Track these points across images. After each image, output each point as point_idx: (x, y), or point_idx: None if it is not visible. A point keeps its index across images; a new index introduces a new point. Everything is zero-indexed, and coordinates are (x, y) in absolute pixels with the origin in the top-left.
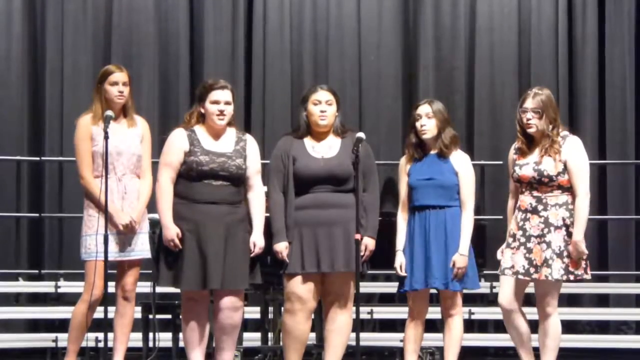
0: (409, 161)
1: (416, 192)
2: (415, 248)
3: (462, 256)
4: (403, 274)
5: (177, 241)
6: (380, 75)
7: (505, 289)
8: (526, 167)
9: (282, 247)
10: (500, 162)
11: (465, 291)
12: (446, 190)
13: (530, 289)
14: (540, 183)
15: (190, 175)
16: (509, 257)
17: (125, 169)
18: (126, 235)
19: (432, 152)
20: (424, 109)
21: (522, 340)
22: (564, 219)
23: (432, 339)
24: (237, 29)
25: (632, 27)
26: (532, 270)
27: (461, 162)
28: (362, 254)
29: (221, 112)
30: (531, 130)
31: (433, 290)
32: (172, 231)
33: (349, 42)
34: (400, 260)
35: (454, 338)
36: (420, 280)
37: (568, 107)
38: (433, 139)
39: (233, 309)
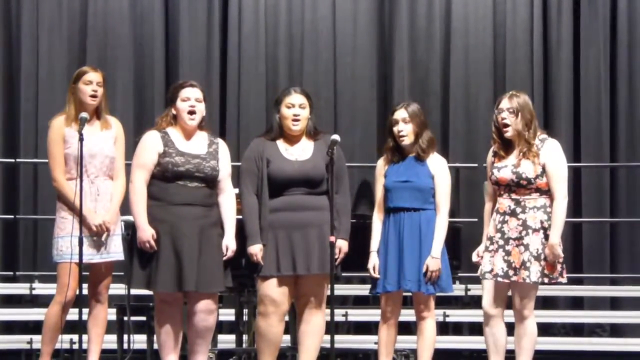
0: (387, 163)
1: (392, 194)
2: (389, 250)
3: (434, 259)
4: (376, 275)
5: (152, 242)
6: (355, 77)
7: (488, 294)
8: (504, 169)
9: (256, 250)
10: (475, 165)
11: (438, 294)
12: (421, 193)
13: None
14: (519, 186)
15: (165, 176)
16: (488, 261)
17: (98, 171)
18: (99, 237)
19: (410, 155)
20: (400, 114)
21: (496, 351)
22: (542, 222)
23: (407, 342)
24: (212, 32)
25: (607, 30)
26: (510, 272)
27: (438, 166)
28: (336, 256)
29: (192, 108)
30: (507, 134)
31: (407, 293)
32: (147, 233)
33: (324, 45)
34: (373, 261)
35: (427, 341)
36: (393, 283)
37: (543, 110)
38: (411, 143)
39: (207, 312)
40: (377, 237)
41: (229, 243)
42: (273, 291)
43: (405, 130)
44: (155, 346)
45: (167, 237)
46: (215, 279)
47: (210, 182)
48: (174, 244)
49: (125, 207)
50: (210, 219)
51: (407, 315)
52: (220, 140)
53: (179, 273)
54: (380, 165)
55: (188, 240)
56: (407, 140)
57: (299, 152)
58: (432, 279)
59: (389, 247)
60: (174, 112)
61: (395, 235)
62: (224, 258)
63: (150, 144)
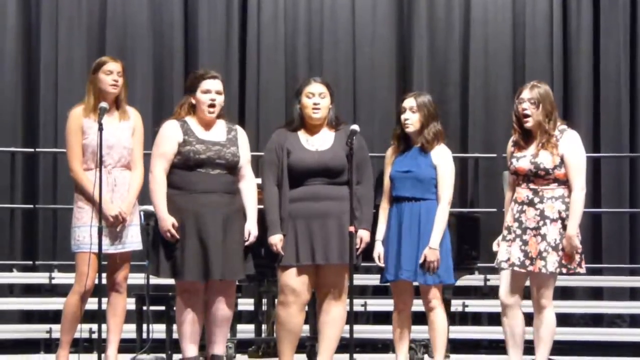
0: (394, 153)
1: (394, 183)
2: (389, 239)
3: (432, 250)
4: (381, 264)
5: (173, 231)
6: (375, 67)
7: (505, 284)
8: (523, 159)
9: (276, 240)
10: (494, 155)
11: (458, 284)
12: (422, 183)
13: (526, 281)
14: (537, 176)
15: (186, 165)
16: (505, 250)
17: (115, 162)
18: (117, 227)
19: (416, 145)
20: (408, 103)
21: (514, 341)
22: (559, 212)
23: (426, 332)
24: (232, 21)
25: (626, 19)
26: (527, 262)
27: (440, 156)
28: (357, 246)
29: (213, 102)
30: (528, 124)
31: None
32: (167, 222)
33: (343, 34)
34: (378, 250)
35: (437, 331)
36: (392, 272)
37: (562, 100)
38: (416, 132)
39: (226, 301)
40: (382, 226)
41: (251, 228)
42: (293, 281)
43: (411, 118)
44: (175, 335)
45: (192, 226)
46: (238, 266)
47: (232, 168)
48: (199, 232)
49: (145, 197)
50: (234, 206)
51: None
52: (238, 127)
53: (205, 262)
54: (389, 154)
55: (213, 229)
56: (411, 128)
57: (320, 142)
58: (430, 270)
59: (390, 237)
60: (192, 101)
61: (396, 225)
62: (246, 243)
63: (170, 134)
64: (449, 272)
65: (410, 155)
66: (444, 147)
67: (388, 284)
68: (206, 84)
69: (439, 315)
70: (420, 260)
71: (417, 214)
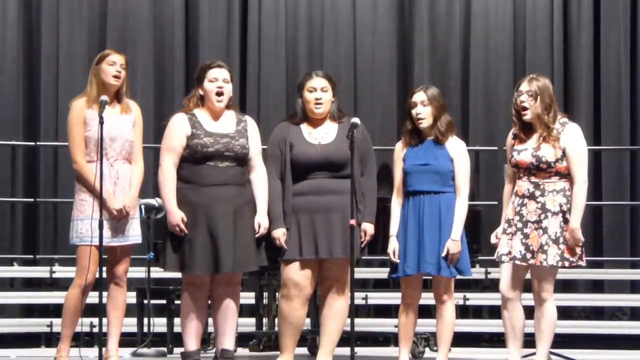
0: (405, 147)
1: (411, 177)
2: (408, 233)
3: (454, 242)
4: (396, 260)
5: (182, 226)
6: (375, 60)
7: (506, 277)
8: (524, 152)
9: (279, 234)
10: (495, 148)
11: (458, 277)
12: (441, 176)
13: (527, 274)
14: (539, 169)
15: (195, 158)
16: (505, 243)
17: (118, 155)
18: (118, 220)
19: (429, 138)
20: (419, 97)
21: (514, 334)
22: (561, 205)
23: (427, 325)
24: (232, 14)
25: (627, 12)
26: (528, 255)
27: (457, 149)
28: (361, 239)
29: (220, 89)
30: (526, 117)
31: (427, 277)
32: (177, 216)
33: (344, 28)
34: (393, 245)
35: (447, 324)
36: (412, 266)
37: (563, 93)
38: (429, 126)
39: (232, 293)
40: (396, 222)
41: (261, 220)
42: (296, 274)
43: (423, 113)
44: (176, 329)
45: (202, 220)
46: (250, 258)
47: (241, 160)
48: (209, 226)
49: (145, 191)
50: (244, 198)
51: (427, 298)
52: (248, 118)
53: (215, 256)
54: (399, 148)
55: (223, 222)
56: (425, 123)
57: (322, 135)
58: (452, 262)
59: (408, 231)
60: (201, 92)
61: (414, 219)
62: (257, 235)
63: (178, 127)
64: (468, 265)
65: (424, 148)
66: (458, 139)
67: (399, 278)
68: (213, 73)
69: (450, 309)
70: (443, 253)
71: (437, 207)
